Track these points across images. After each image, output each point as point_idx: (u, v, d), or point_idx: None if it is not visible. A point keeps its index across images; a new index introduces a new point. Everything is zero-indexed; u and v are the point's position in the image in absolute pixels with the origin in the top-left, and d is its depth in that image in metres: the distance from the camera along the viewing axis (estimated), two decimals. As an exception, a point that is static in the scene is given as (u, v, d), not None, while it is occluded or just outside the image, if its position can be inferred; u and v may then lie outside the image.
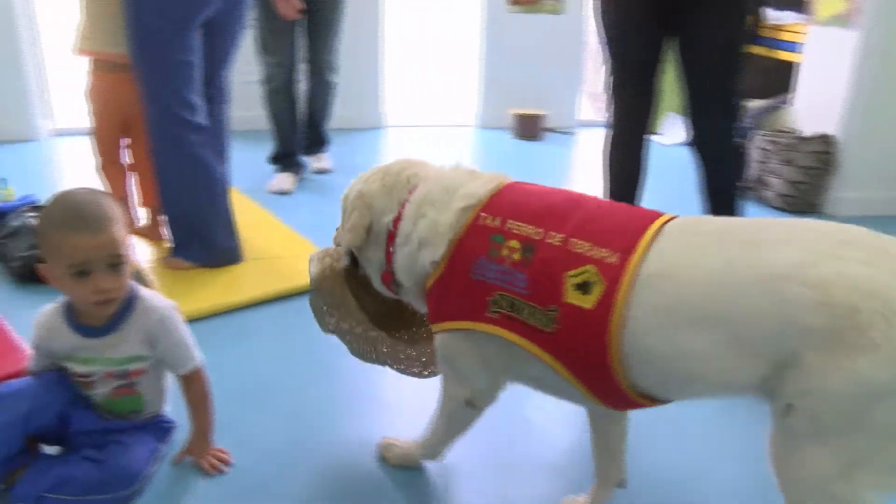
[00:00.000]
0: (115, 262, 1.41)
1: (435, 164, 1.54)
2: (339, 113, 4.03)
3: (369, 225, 1.49)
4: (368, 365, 1.71)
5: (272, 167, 3.77)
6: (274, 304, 2.48)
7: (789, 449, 1.15)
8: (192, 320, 2.14)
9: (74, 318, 1.48)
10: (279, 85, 3.64)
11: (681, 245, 1.21)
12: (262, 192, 3.60)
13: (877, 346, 1.03)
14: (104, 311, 1.45)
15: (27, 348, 1.60)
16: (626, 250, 1.21)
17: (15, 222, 2.77)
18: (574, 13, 5.03)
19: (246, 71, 4.52)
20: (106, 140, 2.81)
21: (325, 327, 1.67)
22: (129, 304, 1.49)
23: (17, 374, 1.57)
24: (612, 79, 2.47)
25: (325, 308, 1.63)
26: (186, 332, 1.56)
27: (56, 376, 1.51)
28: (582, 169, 4.55)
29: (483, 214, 1.35)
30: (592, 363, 1.24)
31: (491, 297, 1.31)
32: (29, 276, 2.55)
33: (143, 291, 1.54)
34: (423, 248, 1.39)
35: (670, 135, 4.93)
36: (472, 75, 5.21)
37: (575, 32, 5.09)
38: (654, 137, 4.88)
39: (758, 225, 1.21)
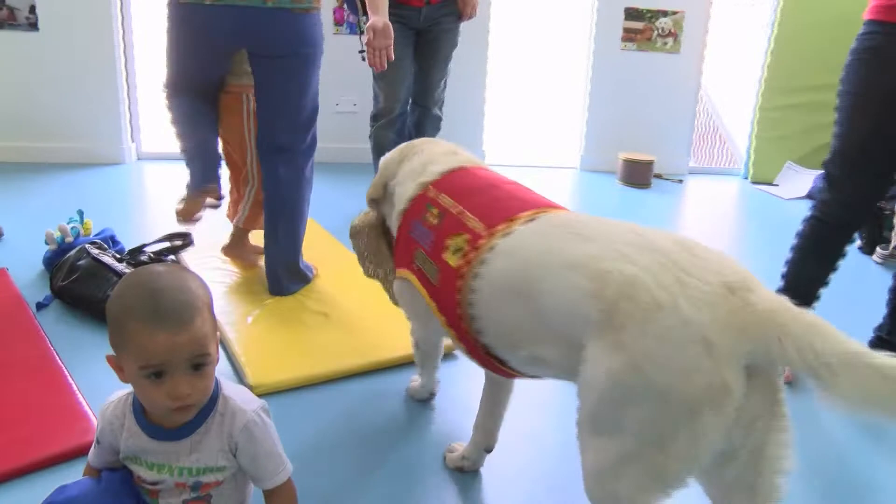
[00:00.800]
0: (199, 362, 1.16)
1: (438, 143, 1.82)
2: (439, 151, 3.78)
3: (385, 184, 1.82)
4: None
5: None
6: (351, 380, 2.20)
7: (578, 434, 1.21)
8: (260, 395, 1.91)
9: (145, 415, 1.23)
10: (390, 119, 3.44)
11: (533, 230, 1.35)
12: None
13: (625, 347, 1.09)
14: (181, 418, 1.20)
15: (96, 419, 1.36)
16: (494, 227, 1.40)
17: (81, 262, 2.60)
18: (690, 53, 4.68)
19: (341, 100, 4.38)
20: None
21: (366, 271, 1.97)
22: (210, 405, 1.23)
23: (81, 449, 1.33)
24: (840, 155, 2.15)
25: (364, 254, 1.93)
26: (276, 440, 1.29)
27: (120, 479, 1.27)
28: (691, 221, 4.18)
29: (431, 188, 1.63)
30: (454, 316, 1.46)
31: (415, 251, 1.60)
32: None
33: (229, 389, 1.28)
34: (395, 208, 1.73)
35: (788, 187, 4.52)
36: (578, 115, 4.91)
37: (690, 74, 4.73)
38: (767, 188, 4.55)
39: (597, 222, 1.32)
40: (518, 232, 1.37)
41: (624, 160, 4.52)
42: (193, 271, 1.27)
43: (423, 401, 2.09)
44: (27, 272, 2.84)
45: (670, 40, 4.63)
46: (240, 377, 2.16)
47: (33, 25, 4.24)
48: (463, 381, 2.19)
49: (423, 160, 1.73)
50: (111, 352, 1.19)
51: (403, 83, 3.40)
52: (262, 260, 2.78)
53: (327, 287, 2.74)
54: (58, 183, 4.11)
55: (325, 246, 3.14)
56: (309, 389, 2.13)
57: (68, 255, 2.68)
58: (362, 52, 2.97)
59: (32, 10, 4.22)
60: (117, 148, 4.40)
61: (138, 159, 4.52)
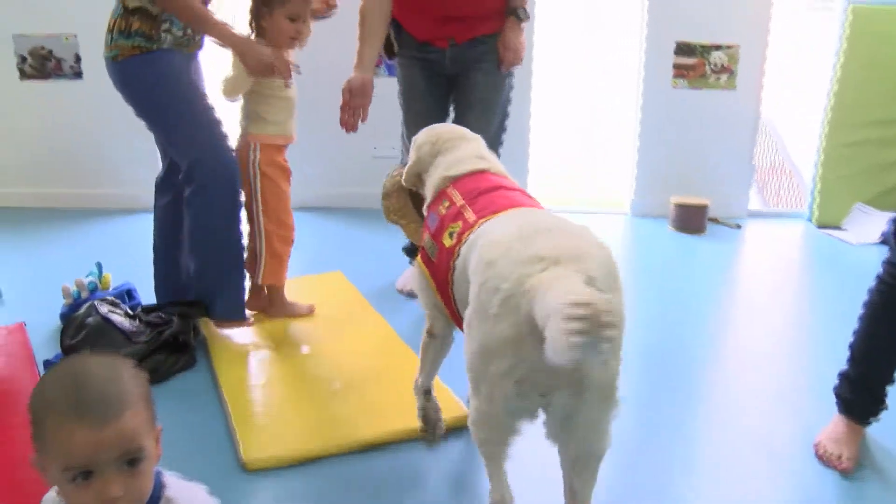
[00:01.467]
0: (133, 458, 1.02)
1: (471, 142, 2.04)
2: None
3: (419, 174, 2.07)
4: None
5: (406, 260, 3.29)
6: (375, 452, 2.04)
7: None
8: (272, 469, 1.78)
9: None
10: None
11: (498, 220, 1.61)
12: (386, 291, 3.21)
13: (475, 298, 1.45)
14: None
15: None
16: (481, 218, 1.66)
17: (90, 320, 2.52)
18: (746, 89, 4.41)
19: (381, 145, 4.27)
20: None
21: (388, 218, 2.27)
22: (151, 504, 1.08)
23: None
24: None
25: (390, 210, 2.24)
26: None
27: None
28: (750, 270, 3.89)
29: (450, 185, 1.89)
30: (444, 286, 1.75)
31: (426, 234, 1.88)
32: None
33: (175, 487, 1.13)
34: (427, 196, 2.00)
35: (858, 230, 4.18)
36: (628, 157, 4.68)
37: (747, 111, 4.46)
38: (834, 232, 4.21)
39: (531, 213, 1.62)
40: (494, 221, 1.62)
41: (676, 205, 4.26)
42: (127, 361, 1.13)
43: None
44: (46, 326, 2.80)
45: (725, 76, 4.38)
46: (234, 450, 2.03)
47: (77, 74, 4.31)
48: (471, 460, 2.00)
49: (451, 159, 1.97)
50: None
51: None
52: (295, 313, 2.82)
53: (342, 351, 2.58)
54: (94, 229, 4.13)
55: (350, 304, 2.98)
56: (308, 467, 1.97)
57: (78, 311, 2.61)
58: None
59: (77, 59, 4.27)
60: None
61: (178, 205, 4.49)
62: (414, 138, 2.13)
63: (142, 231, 3.99)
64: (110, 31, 2.48)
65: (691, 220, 4.23)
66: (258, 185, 2.64)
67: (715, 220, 4.40)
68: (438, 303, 1.86)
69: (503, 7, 2.83)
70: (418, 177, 2.07)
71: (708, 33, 4.33)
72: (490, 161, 1.98)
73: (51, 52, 4.28)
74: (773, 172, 6.07)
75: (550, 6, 4.71)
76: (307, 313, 2.81)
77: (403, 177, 2.12)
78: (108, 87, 4.18)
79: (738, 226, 4.41)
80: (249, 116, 2.64)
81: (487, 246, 1.45)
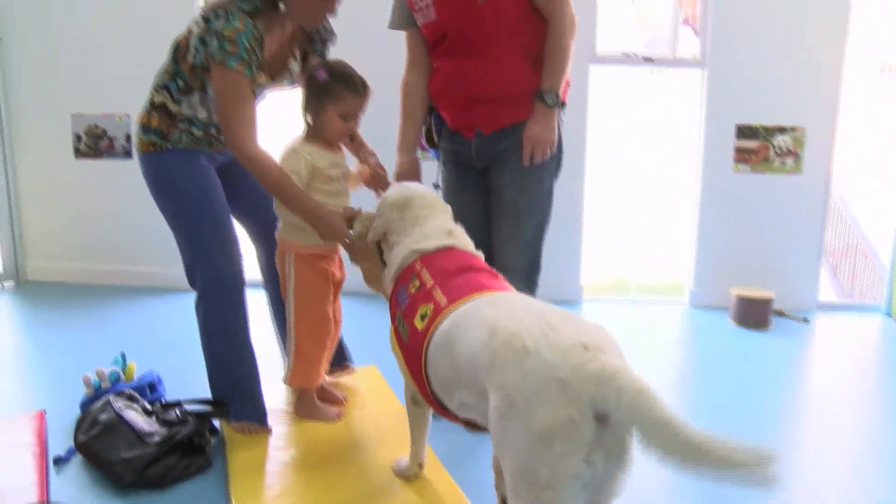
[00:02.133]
0: None
1: (441, 214, 2.12)
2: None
3: (384, 231, 2.14)
4: None
5: None
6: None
7: None
8: None
9: None
10: None
11: (472, 304, 1.71)
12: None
13: (503, 386, 1.46)
14: None
15: None
16: (452, 301, 1.76)
17: (103, 416, 2.40)
18: (814, 173, 4.16)
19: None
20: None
21: (352, 258, 2.35)
22: None
23: None
24: None
25: (356, 252, 2.30)
26: None
27: None
28: (819, 371, 3.57)
29: (419, 261, 1.98)
30: (416, 367, 1.83)
31: (396, 312, 1.97)
32: (135, 482, 2.25)
33: None
34: (391, 267, 2.07)
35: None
36: (687, 244, 4.45)
37: (814, 197, 4.19)
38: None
39: (513, 297, 1.74)
40: (463, 305, 1.72)
41: (737, 296, 3.99)
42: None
43: (410, 478, 2.19)
44: (67, 415, 2.72)
45: (790, 160, 4.15)
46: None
47: (128, 153, 4.35)
48: None
49: (421, 232, 2.04)
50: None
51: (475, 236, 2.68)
52: (335, 411, 2.66)
53: (367, 463, 2.37)
54: (136, 308, 4.12)
55: (383, 407, 2.79)
56: None
57: (95, 405, 2.51)
58: (436, 185, 2.73)
59: (128, 138, 4.32)
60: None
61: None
62: (385, 195, 2.20)
63: (180, 311, 3.97)
64: (137, 122, 2.46)
65: (754, 313, 3.95)
66: (291, 286, 2.51)
67: (780, 313, 4.11)
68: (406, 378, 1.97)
69: (535, 91, 2.54)
70: (384, 234, 2.16)
71: (771, 116, 4.12)
72: (458, 237, 2.06)
73: (104, 131, 4.34)
74: (846, 254, 5.75)
75: (605, 82, 4.56)
76: (335, 419, 2.64)
77: (370, 234, 2.18)
78: (156, 166, 4.26)
79: (805, 320, 4.10)
80: (284, 219, 2.51)
81: (511, 335, 1.48)
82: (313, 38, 2.56)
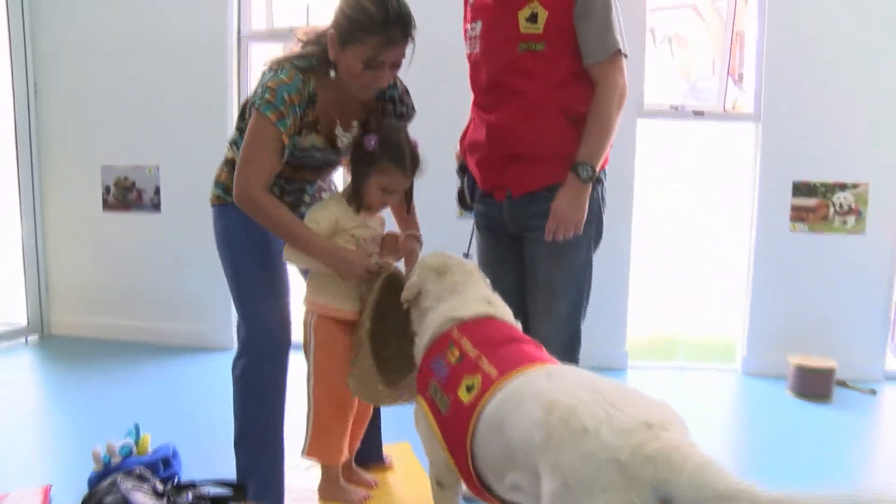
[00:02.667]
0: None
1: (480, 283, 2.09)
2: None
3: (419, 291, 2.08)
4: None
5: None
6: None
7: None
8: None
9: None
10: None
11: (526, 376, 1.63)
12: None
13: (558, 467, 1.37)
14: None
15: None
16: (504, 373, 1.68)
17: (109, 498, 2.21)
18: (878, 232, 3.89)
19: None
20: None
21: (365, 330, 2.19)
22: None
23: None
24: None
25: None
26: None
27: None
28: (888, 445, 3.26)
29: (456, 329, 1.91)
30: (459, 445, 1.72)
31: (430, 382, 1.89)
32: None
33: None
34: (425, 334, 2.01)
35: None
36: (740, 308, 4.18)
37: (879, 258, 3.92)
38: None
39: (566, 369, 1.66)
40: (517, 378, 1.64)
41: (796, 366, 3.70)
42: None
43: None
44: (75, 491, 2.53)
45: (852, 218, 3.89)
46: None
47: (156, 206, 4.25)
48: None
49: (458, 300, 1.99)
50: None
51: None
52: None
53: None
54: (159, 367, 4.01)
55: (414, 489, 2.56)
56: None
57: (101, 484, 2.33)
58: (466, 254, 2.54)
59: (157, 191, 4.23)
60: (224, 333, 4.20)
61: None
62: (423, 257, 2.17)
63: (204, 372, 3.81)
64: (214, 177, 2.46)
65: (815, 384, 3.65)
66: (311, 353, 2.36)
67: (844, 384, 3.80)
68: (445, 456, 1.82)
69: (572, 152, 2.32)
70: (418, 294, 2.09)
71: (831, 171, 3.88)
72: (497, 306, 2.00)
73: (133, 184, 4.26)
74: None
75: (653, 135, 4.35)
76: (361, 501, 2.42)
77: (404, 292, 2.11)
78: (184, 221, 4.17)
79: (873, 391, 3.78)
80: (312, 278, 2.39)
81: (569, 411, 1.39)
82: (386, 110, 2.41)
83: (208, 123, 4.09)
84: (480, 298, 1.99)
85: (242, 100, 2.37)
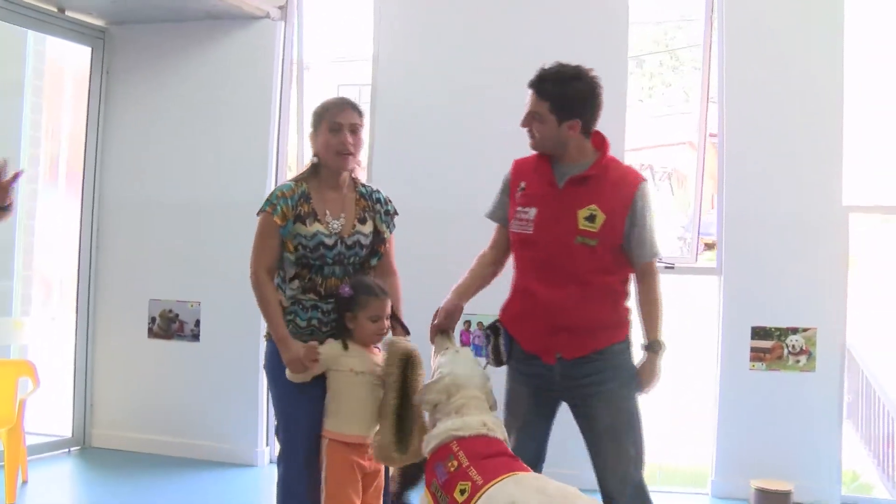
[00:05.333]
0: None
1: (480, 414, 2.54)
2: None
3: (437, 402, 2.58)
4: None
5: None
6: None
7: None
8: None
9: None
10: None
11: (504, 484, 2.25)
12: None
13: None
14: None
15: None
16: (487, 480, 2.26)
17: None
18: (827, 370, 4.42)
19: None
20: None
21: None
22: None
23: None
24: None
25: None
26: None
27: None
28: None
29: (455, 443, 2.44)
30: None
31: (434, 481, 2.42)
32: None
33: None
34: (431, 441, 2.53)
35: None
36: (707, 439, 4.69)
37: (829, 393, 4.42)
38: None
39: (533, 478, 2.36)
40: (496, 485, 2.25)
41: (757, 489, 4.18)
42: None
43: None
44: None
45: (803, 358, 4.44)
46: None
47: (196, 336, 4.82)
48: None
49: (461, 421, 2.49)
50: None
51: (525, 453, 2.64)
52: None
53: None
54: (192, 480, 4.44)
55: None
56: None
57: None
58: (487, 363, 2.91)
59: (197, 323, 4.81)
60: (251, 451, 4.71)
61: (270, 462, 4.74)
62: (442, 373, 2.61)
63: (233, 485, 4.27)
64: None
65: (774, 506, 4.13)
66: (323, 471, 2.73)
67: (801, 508, 4.27)
68: None
69: (619, 320, 2.77)
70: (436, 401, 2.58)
71: (784, 317, 4.46)
72: (491, 428, 2.49)
73: (177, 316, 4.84)
74: (891, 444, 5.77)
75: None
76: None
77: (424, 405, 2.63)
78: (220, 351, 4.73)
79: (829, 516, 4.26)
80: (327, 402, 2.78)
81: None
82: (376, 209, 2.94)
83: (244, 270, 4.67)
84: (479, 423, 2.49)
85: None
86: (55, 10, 4.67)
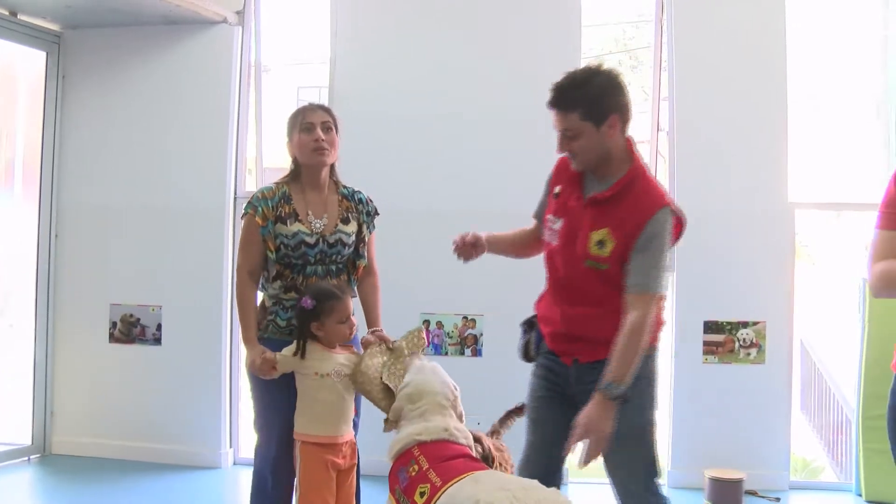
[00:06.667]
0: None
1: (445, 415, 2.66)
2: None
3: (401, 413, 2.69)
4: None
5: None
6: None
7: None
8: None
9: None
10: None
11: (461, 482, 2.31)
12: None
13: None
14: None
15: None
16: (445, 482, 2.33)
17: None
18: (776, 362, 4.59)
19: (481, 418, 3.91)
20: None
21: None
22: None
23: None
24: None
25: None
26: None
27: None
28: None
29: (417, 448, 2.53)
30: None
31: (397, 487, 2.48)
32: None
33: None
34: (395, 445, 2.61)
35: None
36: (662, 430, 4.79)
37: (778, 384, 4.61)
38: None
39: (493, 475, 2.43)
40: (454, 485, 2.30)
41: (710, 478, 4.32)
42: None
43: None
44: None
45: (754, 351, 4.60)
46: None
47: (157, 340, 4.82)
48: None
49: (424, 426, 2.58)
50: None
51: (543, 451, 2.71)
52: None
53: None
54: (153, 484, 4.45)
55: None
56: None
57: None
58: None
59: (159, 327, 4.81)
60: (215, 453, 4.73)
61: (234, 464, 4.81)
62: (406, 381, 2.75)
63: (198, 487, 4.28)
64: None
65: (726, 493, 4.26)
66: (297, 473, 2.79)
67: (753, 493, 4.41)
68: None
69: None
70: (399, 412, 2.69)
71: (735, 312, 4.61)
72: (452, 433, 2.57)
73: (138, 320, 4.84)
74: (840, 432, 5.96)
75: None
76: None
77: (390, 414, 2.72)
78: (182, 354, 4.74)
79: (777, 500, 4.40)
80: (297, 408, 2.84)
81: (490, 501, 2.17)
82: (359, 209, 3.04)
83: (205, 273, 4.78)
84: (440, 428, 2.58)
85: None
86: (8, 13, 4.63)
